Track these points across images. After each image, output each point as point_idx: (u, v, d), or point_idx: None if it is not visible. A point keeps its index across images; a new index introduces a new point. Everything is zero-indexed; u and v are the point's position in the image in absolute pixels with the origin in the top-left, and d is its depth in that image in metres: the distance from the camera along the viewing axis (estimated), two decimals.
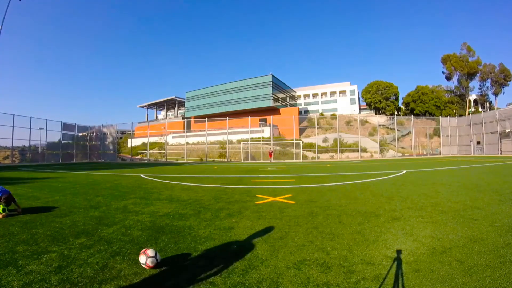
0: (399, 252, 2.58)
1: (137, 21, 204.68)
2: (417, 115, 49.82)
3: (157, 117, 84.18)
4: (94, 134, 38.12)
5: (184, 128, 48.27)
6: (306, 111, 70.75)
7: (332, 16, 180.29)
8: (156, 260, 2.27)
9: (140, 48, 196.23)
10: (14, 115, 26.75)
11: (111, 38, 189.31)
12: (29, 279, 2.10)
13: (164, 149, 39.23)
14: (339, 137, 35.56)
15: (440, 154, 36.32)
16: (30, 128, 28.34)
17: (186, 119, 48.65)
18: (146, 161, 35.39)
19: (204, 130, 37.03)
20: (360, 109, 71.93)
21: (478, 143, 34.40)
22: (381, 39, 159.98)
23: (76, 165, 24.34)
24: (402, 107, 62.31)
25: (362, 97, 65.11)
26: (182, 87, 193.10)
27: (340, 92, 74.03)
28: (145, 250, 2.32)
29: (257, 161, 30.33)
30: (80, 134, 36.96)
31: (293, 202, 5.15)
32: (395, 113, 51.27)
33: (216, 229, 3.45)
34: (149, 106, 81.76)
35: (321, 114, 61.39)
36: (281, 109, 52.82)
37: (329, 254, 2.56)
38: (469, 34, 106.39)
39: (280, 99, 55.70)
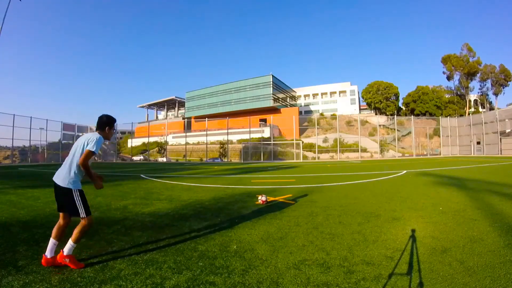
0: (399, 252, 2.58)
1: (137, 21, 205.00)
2: (417, 115, 49.81)
3: (157, 117, 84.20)
4: None
5: (184, 128, 48.31)
6: (306, 111, 70.77)
7: (332, 16, 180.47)
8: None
9: (140, 48, 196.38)
10: (14, 115, 26.79)
11: (111, 38, 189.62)
12: (29, 279, 2.10)
13: (164, 149, 39.25)
14: (339, 137, 35.55)
15: (440, 154, 36.31)
16: (30, 128, 28.36)
17: (186, 119, 48.74)
18: (146, 161, 35.40)
19: (204, 130, 37.03)
20: (360, 109, 71.91)
21: (478, 143, 34.38)
22: (381, 39, 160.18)
23: None
24: (403, 107, 62.30)
25: (362, 97, 65.11)
26: (182, 87, 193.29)
27: (340, 92, 74.03)
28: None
29: (257, 161, 30.33)
30: (80, 134, 36.97)
31: (293, 202, 5.14)
32: (395, 113, 51.29)
33: (216, 229, 3.45)
34: (149, 106, 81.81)
35: (321, 114, 61.41)
36: (281, 109, 52.84)
37: (329, 254, 2.56)
38: (469, 34, 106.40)
39: (280, 99, 55.71)
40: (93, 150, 2.33)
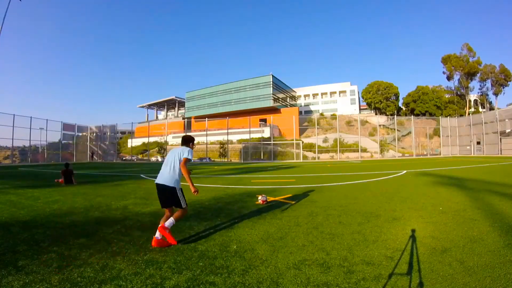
0: (399, 252, 2.58)
1: (137, 21, 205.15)
2: (417, 115, 49.83)
3: (157, 117, 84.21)
4: (94, 134, 38.16)
5: (184, 128, 48.33)
6: (306, 111, 70.78)
7: (333, 16, 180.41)
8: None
9: (140, 48, 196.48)
10: (14, 115, 26.83)
11: (111, 38, 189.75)
12: (29, 279, 2.10)
13: (164, 149, 39.25)
14: (339, 137, 35.55)
15: (440, 154, 36.31)
16: (30, 128, 28.39)
17: (186, 119, 48.75)
18: (146, 161, 35.40)
19: (204, 130, 37.03)
20: (360, 109, 71.92)
21: (478, 143, 34.37)
22: (382, 39, 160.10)
23: (76, 165, 24.34)
24: (403, 107, 62.31)
25: (362, 97, 65.13)
26: (182, 87, 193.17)
27: (340, 92, 74.03)
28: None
29: (257, 161, 30.32)
30: (80, 134, 36.98)
31: (293, 202, 5.14)
32: (395, 113, 51.35)
33: (216, 229, 3.45)
34: (149, 106, 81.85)
35: (321, 114, 61.43)
36: (281, 109, 52.86)
37: (329, 254, 2.56)
38: (469, 34, 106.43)
39: (280, 99, 55.72)
40: (189, 157, 3.08)
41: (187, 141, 3.30)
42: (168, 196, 2.98)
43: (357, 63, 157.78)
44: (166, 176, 3.01)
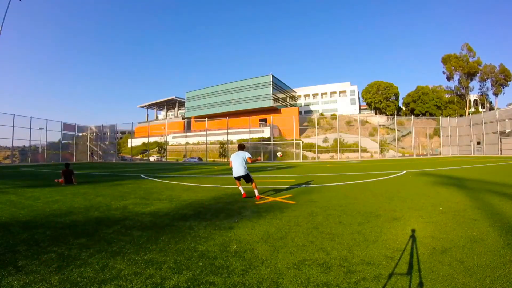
0: (399, 252, 2.58)
1: (137, 21, 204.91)
2: (417, 115, 49.82)
3: (157, 117, 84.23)
4: (94, 134, 38.13)
5: (184, 128, 48.33)
6: (306, 111, 70.79)
7: (333, 17, 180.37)
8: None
9: (140, 48, 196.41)
10: (14, 115, 26.81)
11: (111, 37, 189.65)
12: (29, 279, 2.09)
13: (164, 149, 39.25)
14: (339, 137, 35.55)
15: (440, 154, 36.31)
16: (30, 128, 28.36)
17: (186, 119, 48.75)
18: (146, 161, 35.39)
19: (204, 130, 37.03)
20: (360, 109, 71.94)
21: (478, 143, 34.35)
22: (382, 39, 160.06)
23: (76, 165, 24.34)
24: (403, 107, 62.33)
25: (362, 97, 65.16)
26: (182, 87, 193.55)
27: (340, 92, 74.05)
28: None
29: (257, 161, 30.28)
30: (80, 134, 36.95)
31: (293, 202, 5.14)
32: (395, 113, 51.29)
33: (216, 229, 3.45)
34: (149, 106, 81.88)
35: (321, 114, 61.47)
36: (281, 109, 52.87)
37: (329, 254, 2.56)
38: (469, 34, 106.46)
39: (280, 99, 55.73)
40: (250, 156, 5.60)
41: (243, 147, 5.83)
42: (245, 178, 5.53)
43: (357, 63, 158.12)
44: (241, 169, 5.44)
